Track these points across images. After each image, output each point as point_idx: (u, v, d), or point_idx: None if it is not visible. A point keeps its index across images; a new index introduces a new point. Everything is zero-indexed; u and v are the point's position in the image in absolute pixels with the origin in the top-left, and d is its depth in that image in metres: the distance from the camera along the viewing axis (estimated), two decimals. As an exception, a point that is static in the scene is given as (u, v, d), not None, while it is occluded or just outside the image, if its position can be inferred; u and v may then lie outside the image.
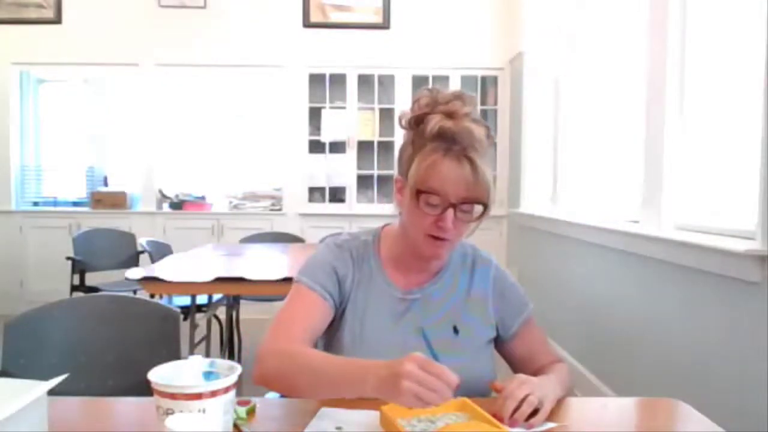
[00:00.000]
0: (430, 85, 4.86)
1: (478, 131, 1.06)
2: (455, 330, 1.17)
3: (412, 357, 0.86)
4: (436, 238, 1.10)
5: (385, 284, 1.19)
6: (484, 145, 1.07)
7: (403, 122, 1.13)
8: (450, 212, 1.06)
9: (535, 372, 1.17)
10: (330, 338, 1.19)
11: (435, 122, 1.05)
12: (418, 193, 1.07)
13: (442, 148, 1.05)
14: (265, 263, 3.10)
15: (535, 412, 0.97)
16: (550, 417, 1.00)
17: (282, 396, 1.14)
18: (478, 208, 1.08)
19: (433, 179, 1.05)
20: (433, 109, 1.08)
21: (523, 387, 0.98)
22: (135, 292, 3.24)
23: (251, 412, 1.00)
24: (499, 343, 1.25)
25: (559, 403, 1.07)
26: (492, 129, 4.30)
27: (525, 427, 0.95)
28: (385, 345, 1.12)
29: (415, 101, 1.12)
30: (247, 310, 3.84)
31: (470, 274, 1.23)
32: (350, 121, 5.03)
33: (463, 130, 1.05)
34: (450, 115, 1.06)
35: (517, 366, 1.25)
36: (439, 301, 1.19)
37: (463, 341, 1.16)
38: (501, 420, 0.94)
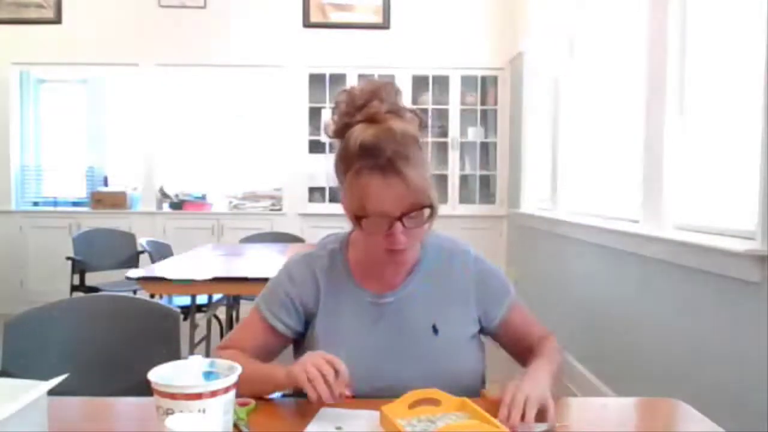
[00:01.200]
0: (431, 86, 4.91)
1: (402, 127, 1.02)
2: (435, 330, 1.14)
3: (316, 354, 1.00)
4: (393, 251, 1.07)
5: (357, 291, 1.16)
6: (413, 138, 1.03)
7: (329, 133, 1.10)
8: (397, 226, 1.03)
9: (527, 350, 1.19)
10: (306, 349, 1.15)
11: (356, 136, 1.02)
12: (358, 218, 1.04)
13: (368, 165, 1.00)
14: (265, 263, 3.10)
15: (540, 413, 0.96)
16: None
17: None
18: (425, 211, 1.04)
19: (368, 202, 1.02)
20: (353, 116, 1.05)
21: (519, 395, 0.96)
22: (135, 292, 3.24)
23: (251, 412, 1.00)
24: (487, 332, 1.22)
25: (559, 403, 1.07)
26: (492, 129, 4.26)
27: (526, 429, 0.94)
28: (363, 352, 1.10)
29: (334, 107, 1.09)
30: (247, 310, 3.82)
31: (448, 267, 1.19)
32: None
33: (384, 135, 1.00)
34: (371, 119, 1.03)
35: (510, 349, 1.25)
36: (415, 302, 1.16)
37: (443, 341, 1.13)
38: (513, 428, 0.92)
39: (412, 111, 1.07)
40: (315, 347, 1.10)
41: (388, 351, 1.06)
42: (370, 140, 1.00)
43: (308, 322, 1.17)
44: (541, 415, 0.95)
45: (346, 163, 1.04)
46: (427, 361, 1.11)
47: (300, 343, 1.20)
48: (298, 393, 1.07)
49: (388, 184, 1.00)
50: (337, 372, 0.96)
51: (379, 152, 0.99)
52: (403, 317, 1.15)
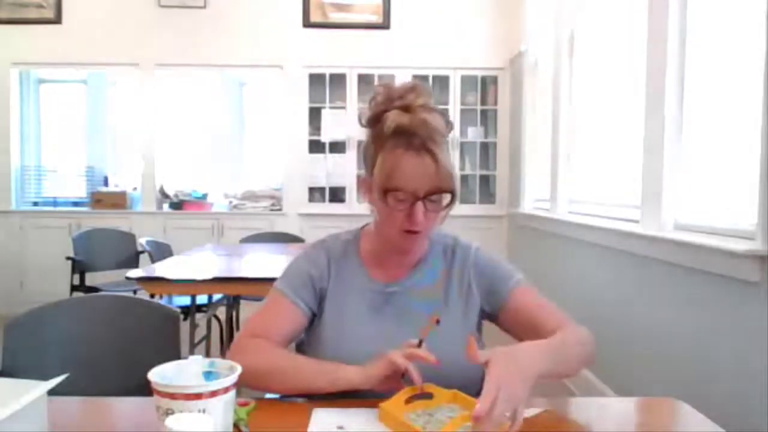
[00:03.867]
0: (431, 86, 4.90)
1: (435, 120, 1.09)
2: (437, 322, 1.15)
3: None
4: (410, 232, 1.12)
5: (365, 279, 1.21)
6: (441, 133, 1.10)
7: (363, 121, 1.16)
8: (419, 205, 1.09)
9: (536, 336, 1.09)
10: (311, 335, 1.21)
11: (392, 119, 1.08)
12: (386, 191, 1.10)
13: (402, 144, 1.07)
14: (265, 263, 3.10)
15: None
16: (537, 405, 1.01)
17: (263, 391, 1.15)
18: (446, 197, 1.10)
19: (397, 177, 1.08)
20: (389, 105, 1.11)
21: (495, 409, 0.86)
22: (135, 292, 3.24)
23: (251, 412, 1.00)
24: (494, 319, 1.22)
25: (559, 402, 1.07)
26: (492, 129, 4.28)
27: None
28: (366, 338, 1.14)
29: (371, 99, 1.15)
30: (247, 310, 3.84)
31: (450, 262, 1.24)
32: (350, 121, 5.03)
33: (419, 123, 1.07)
34: (406, 108, 1.09)
35: (518, 335, 1.19)
36: (420, 292, 1.20)
37: (446, 331, 1.13)
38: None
39: (441, 112, 1.13)
40: (322, 331, 1.17)
41: (390, 339, 1.07)
42: (405, 122, 1.07)
43: (319, 307, 1.21)
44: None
45: (378, 143, 1.11)
46: (428, 350, 1.11)
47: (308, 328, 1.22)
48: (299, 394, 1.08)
49: (420, 162, 1.07)
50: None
51: (414, 134, 1.07)
52: (407, 308, 1.19)
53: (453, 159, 1.14)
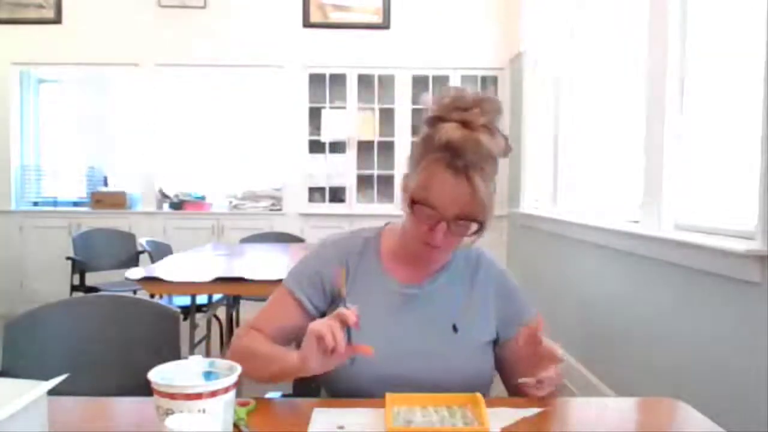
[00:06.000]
0: (431, 86, 4.91)
1: (491, 143, 1.04)
2: (455, 328, 1.16)
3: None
4: (428, 245, 1.11)
5: (384, 278, 1.20)
6: (494, 157, 1.06)
7: (424, 115, 1.12)
8: (442, 226, 1.07)
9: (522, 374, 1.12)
10: None
11: (445, 131, 1.04)
12: (416, 201, 1.08)
13: (445, 160, 1.04)
14: (265, 263, 3.10)
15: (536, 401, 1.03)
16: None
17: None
18: (474, 225, 1.08)
19: (430, 192, 1.06)
20: (451, 113, 1.06)
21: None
22: (135, 292, 3.24)
23: (251, 412, 1.00)
24: (499, 345, 1.23)
25: (559, 402, 1.07)
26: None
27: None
28: (383, 337, 1.12)
29: (439, 98, 1.11)
30: (247, 310, 3.84)
31: (473, 275, 1.22)
32: (350, 121, 5.03)
33: (472, 143, 1.03)
34: (465, 124, 1.04)
35: (508, 366, 1.21)
36: (439, 298, 1.19)
37: (461, 340, 1.16)
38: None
39: (503, 135, 1.09)
40: None
41: (406, 341, 1.07)
42: (456, 140, 1.03)
43: (330, 306, 1.19)
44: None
45: (426, 149, 1.07)
46: (443, 357, 1.13)
47: None
48: (299, 393, 1.08)
49: (457, 184, 1.04)
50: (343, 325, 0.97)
51: (461, 154, 1.03)
52: (425, 311, 1.17)
53: (495, 187, 1.09)
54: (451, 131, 1.04)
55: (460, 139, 1.03)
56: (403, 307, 1.17)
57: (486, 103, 1.07)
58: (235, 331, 1.20)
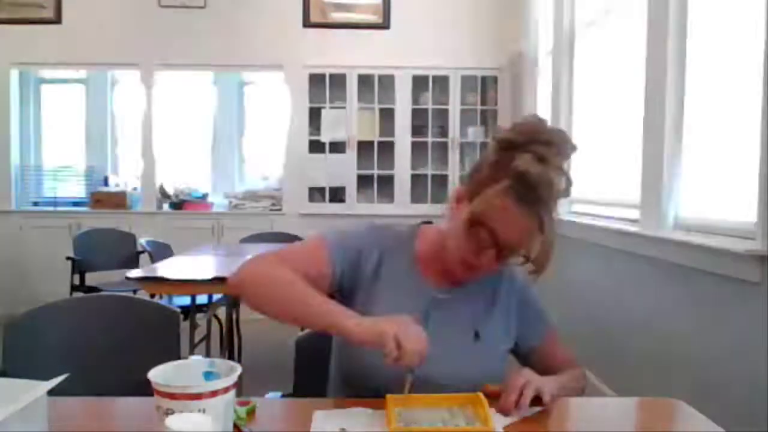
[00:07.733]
0: (431, 86, 4.91)
1: (560, 184, 1.05)
2: (477, 335, 1.18)
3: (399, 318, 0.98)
4: (467, 262, 1.11)
5: (416, 280, 1.20)
6: (559, 198, 1.07)
7: (498, 137, 1.10)
8: (492, 252, 1.08)
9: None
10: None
11: (525, 162, 1.02)
12: (475, 224, 1.07)
13: (518, 193, 1.03)
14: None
15: (536, 400, 1.02)
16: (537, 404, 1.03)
17: (252, 308, 1.10)
18: (521, 259, 1.10)
19: (495, 221, 1.05)
20: (529, 144, 1.04)
21: (520, 378, 1.04)
22: (135, 292, 3.24)
23: (251, 412, 1.00)
24: (517, 353, 1.26)
25: (560, 402, 1.07)
26: (492, 129, 4.27)
27: (516, 413, 1.01)
28: None
29: (519, 124, 1.09)
30: (247, 310, 3.83)
31: (498, 284, 1.24)
32: (350, 121, 5.03)
33: (546, 182, 1.03)
34: (541, 159, 1.03)
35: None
36: (464, 305, 1.19)
37: (482, 347, 1.17)
38: (506, 410, 1.01)
39: (568, 176, 1.08)
40: None
41: (431, 344, 1.06)
42: (534, 175, 1.02)
43: (350, 288, 1.18)
44: (537, 401, 1.02)
45: (498, 173, 1.05)
46: (464, 363, 1.14)
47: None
48: (299, 394, 1.08)
49: (525, 220, 1.05)
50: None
51: (534, 189, 1.02)
52: (451, 317, 1.18)
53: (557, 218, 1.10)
54: (530, 164, 1.02)
55: (538, 176, 1.02)
56: (431, 311, 1.17)
57: (562, 144, 1.06)
58: (261, 255, 1.13)
